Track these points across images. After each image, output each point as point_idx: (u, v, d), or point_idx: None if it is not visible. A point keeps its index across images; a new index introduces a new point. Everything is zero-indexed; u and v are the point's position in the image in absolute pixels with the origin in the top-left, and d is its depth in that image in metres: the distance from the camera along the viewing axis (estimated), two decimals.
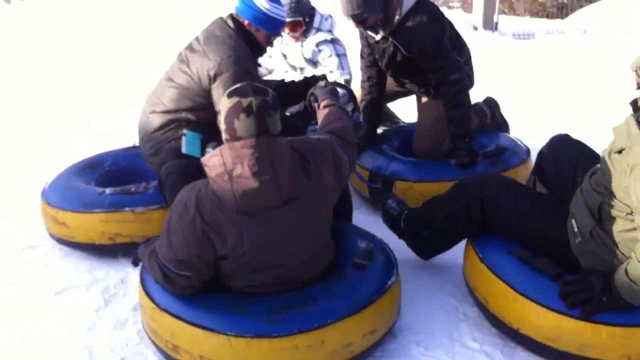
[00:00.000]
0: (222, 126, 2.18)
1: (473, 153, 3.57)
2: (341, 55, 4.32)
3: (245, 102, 2.12)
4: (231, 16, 3.15)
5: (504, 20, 9.99)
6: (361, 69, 3.90)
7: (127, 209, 3.12)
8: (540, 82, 6.35)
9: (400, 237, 3.03)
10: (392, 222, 3.05)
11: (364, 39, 3.74)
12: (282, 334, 2.21)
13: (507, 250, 2.55)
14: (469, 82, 3.80)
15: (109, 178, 3.61)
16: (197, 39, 3.16)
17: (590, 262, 2.36)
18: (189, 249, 2.20)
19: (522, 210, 2.55)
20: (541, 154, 2.81)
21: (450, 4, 14.19)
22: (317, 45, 4.31)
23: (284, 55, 4.54)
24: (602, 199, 2.26)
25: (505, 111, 4.29)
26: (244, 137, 2.12)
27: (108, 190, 3.23)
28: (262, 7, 3.06)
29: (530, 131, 4.49)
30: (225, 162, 2.13)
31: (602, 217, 2.29)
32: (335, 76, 4.22)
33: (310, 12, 4.29)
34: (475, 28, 9.31)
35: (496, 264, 2.53)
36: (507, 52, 7.94)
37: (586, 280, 2.26)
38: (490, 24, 9.30)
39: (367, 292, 2.39)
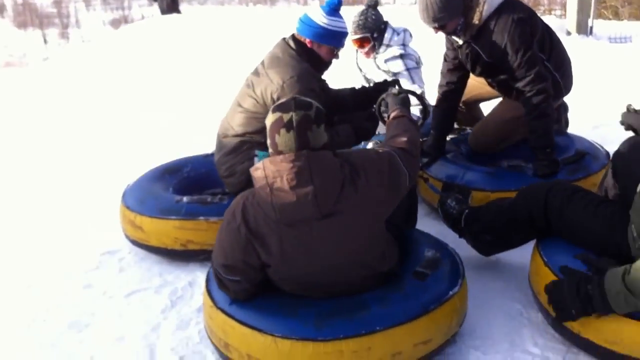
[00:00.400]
0: (268, 141, 2.21)
1: (554, 164, 3.39)
2: (411, 70, 4.24)
3: (286, 117, 2.15)
4: (292, 36, 3.20)
5: (600, 25, 9.58)
6: (442, 73, 3.78)
7: (201, 218, 3.19)
8: (634, 87, 6.01)
9: (460, 236, 2.98)
10: (453, 222, 3.00)
11: (449, 41, 3.64)
12: (327, 338, 2.19)
13: (572, 254, 2.45)
14: (560, 90, 3.60)
15: (187, 184, 3.71)
16: (262, 62, 3.24)
17: None
18: (234, 255, 2.27)
19: (585, 219, 2.47)
20: (617, 153, 2.68)
21: (553, 12, 13.80)
22: (386, 62, 4.27)
23: (360, 69, 4.55)
24: None
25: (593, 115, 4.09)
26: (284, 152, 2.15)
27: (185, 199, 3.31)
28: (320, 23, 3.10)
29: (615, 134, 4.26)
30: (267, 175, 2.16)
31: None
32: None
33: (380, 27, 4.23)
34: (569, 33, 8.99)
35: (560, 268, 2.42)
36: (602, 57, 7.58)
37: (559, 286, 2.30)
38: (584, 29, 8.97)
39: (422, 301, 2.33)
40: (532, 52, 3.30)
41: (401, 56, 4.25)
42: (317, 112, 2.21)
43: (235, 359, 2.35)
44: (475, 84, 3.90)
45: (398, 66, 4.25)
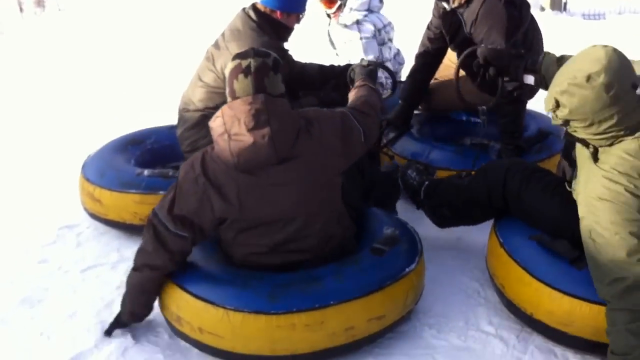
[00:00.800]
0: (227, 89, 2.26)
1: (519, 149, 3.37)
2: (365, 40, 4.20)
3: (244, 63, 2.21)
4: (253, 7, 3.11)
5: (574, 1, 9.47)
6: (422, 42, 3.65)
7: (162, 192, 3.05)
8: None
9: (418, 208, 2.98)
10: (412, 193, 2.99)
11: (437, 9, 3.50)
12: (280, 311, 2.19)
13: (527, 235, 2.47)
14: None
15: (150, 156, 3.65)
16: (222, 34, 3.15)
17: None
18: (188, 205, 2.27)
19: (542, 202, 2.50)
20: (566, 133, 2.66)
21: None
22: (345, 27, 4.23)
23: (332, 44, 4.47)
24: None
25: None
26: (241, 97, 2.20)
27: (146, 172, 3.24)
28: None
29: None
30: (225, 122, 2.20)
31: None
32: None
33: None
34: (543, 9, 8.93)
35: (515, 248, 2.45)
36: (576, 34, 7.54)
37: None
38: (558, 5, 8.95)
39: (378, 277, 2.33)
40: (514, 40, 3.18)
41: (357, 22, 4.21)
42: (275, 61, 2.28)
43: (187, 332, 2.34)
44: (449, 98, 3.79)
45: (353, 33, 4.21)
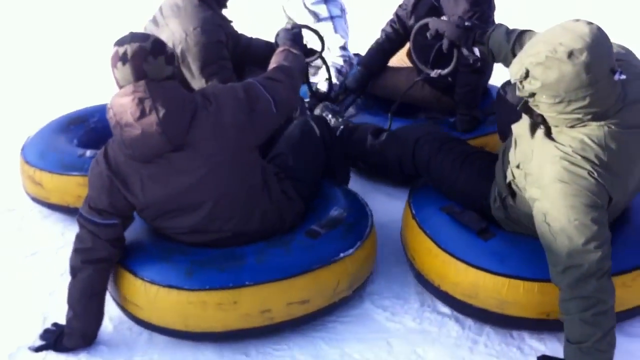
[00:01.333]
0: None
1: (476, 120, 3.34)
2: (335, 18, 4.01)
3: (121, 50, 2.10)
4: None
5: None
6: (394, 14, 3.57)
7: None
8: None
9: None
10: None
11: None
12: (193, 287, 2.17)
13: (440, 206, 2.46)
14: None
15: (94, 136, 3.47)
16: (160, 9, 2.99)
17: (509, 228, 2.34)
18: (101, 199, 2.22)
19: (451, 173, 2.50)
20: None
21: None
22: (312, 4, 4.03)
23: (288, 18, 4.29)
24: (511, 178, 2.21)
25: None
26: (124, 85, 2.11)
27: (88, 153, 3.10)
28: None
29: None
30: (115, 113, 2.12)
31: (513, 191, 2.24)
32: (330, 42, 3.88)
33: None
34: None
35: (425, 219, 2.45)
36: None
37: None
38: None
39: (305, 260, 2.27)
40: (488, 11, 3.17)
41: (325, 1, 4.06)
42: (154, 43, 2.14)
43: (117, 299, 2.38)
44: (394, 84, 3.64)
45: (321, 11, 4.03)
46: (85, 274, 2.24)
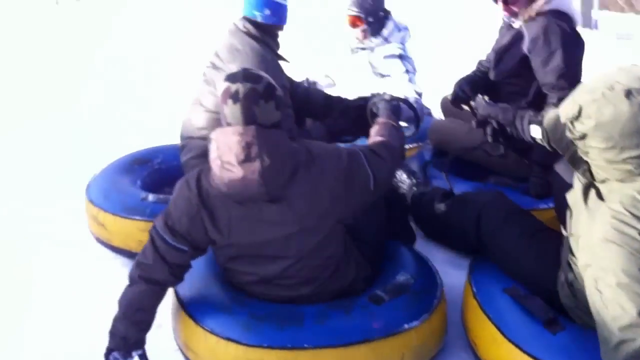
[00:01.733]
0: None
1: (549, 185, 3.11)
2: (411, 73, 3.99)
3: (233, 87, 2.10)
4: (246, 20, 2.96)
5: (606, 17, 9.13)
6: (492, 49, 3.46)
7: None
8: None
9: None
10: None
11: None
12: (251, 343, 2.13)
13: (502, 287, 2.30)
14: None
15: (158, 177, 3.53)
16: (217, 55, 3.00)
17: (579, 320, 2.09)
18: (181, 222, 2.21)
19: (517, 250, 2.34)
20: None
21: None
22: (385, 58, 4.01)
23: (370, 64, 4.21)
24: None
25: None
26: (233, 124, 2.10)
27: (151, 197, 3.12)
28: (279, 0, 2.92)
29: None
30: (218, 147, 2.11)
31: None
32: (404, 92, 3.82)
33: (378, 13, 3.97)
34: None
35: (488, 302, 2.28)
36: (608, 54, 7.31)
37: None
38: (588, 21, 8.62)
39: (365, 327, 2.17)
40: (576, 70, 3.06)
41: (400, 57, 4.01)
42: (267, 87, 2.13)
43: (179, 346, 2.38)
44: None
45: (397, 67, 4.00)
46: (138, 288, 2.23)
